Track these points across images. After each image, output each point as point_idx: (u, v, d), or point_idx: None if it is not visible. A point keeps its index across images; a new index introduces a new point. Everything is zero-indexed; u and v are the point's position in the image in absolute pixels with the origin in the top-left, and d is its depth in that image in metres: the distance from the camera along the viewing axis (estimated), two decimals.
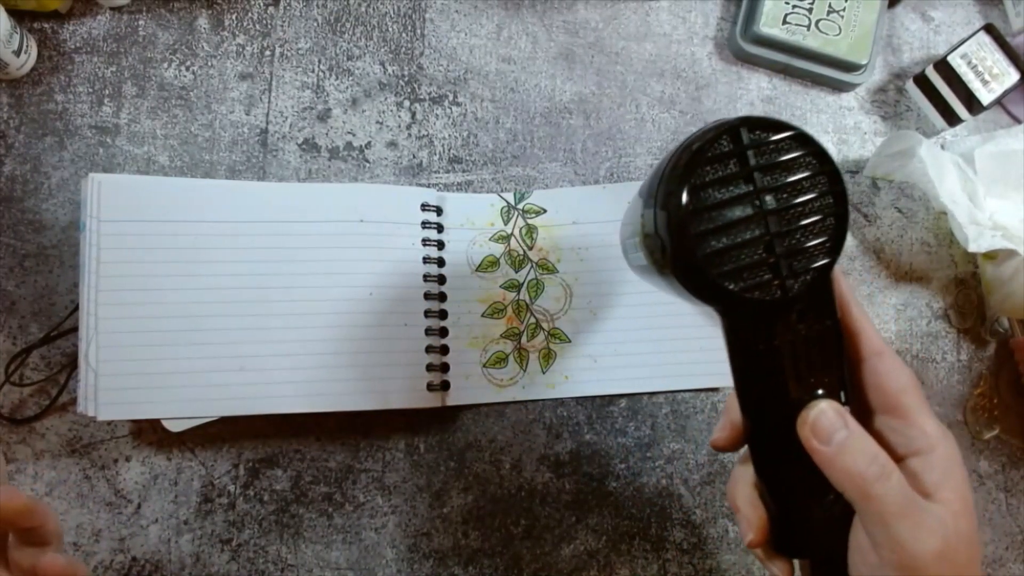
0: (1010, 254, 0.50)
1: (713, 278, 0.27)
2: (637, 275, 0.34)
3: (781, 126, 0.28)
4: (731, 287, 0.27)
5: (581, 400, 0.49)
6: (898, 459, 0.28)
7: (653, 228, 0.28)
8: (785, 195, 0.28)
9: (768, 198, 0.27)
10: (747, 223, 0.27)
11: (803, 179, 0.28)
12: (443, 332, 0.47)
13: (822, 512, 0.29)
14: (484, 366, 0.48)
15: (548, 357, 0.48)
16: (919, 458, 0.28)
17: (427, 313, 0.46)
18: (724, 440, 0.32)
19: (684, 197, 0.27)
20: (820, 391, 0.29)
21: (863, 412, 0.30)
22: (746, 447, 0.31)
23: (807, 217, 0.28)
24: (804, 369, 0.29)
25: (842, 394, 0.29)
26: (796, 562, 0.32)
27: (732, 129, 0.27)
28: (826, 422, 0.28)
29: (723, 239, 0.27)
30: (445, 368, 0.47)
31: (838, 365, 0.29)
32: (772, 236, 0.27)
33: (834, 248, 0.28)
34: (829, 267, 0.28)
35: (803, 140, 0.28)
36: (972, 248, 0.48)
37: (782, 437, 0.29)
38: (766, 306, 0.28)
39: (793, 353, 0.29)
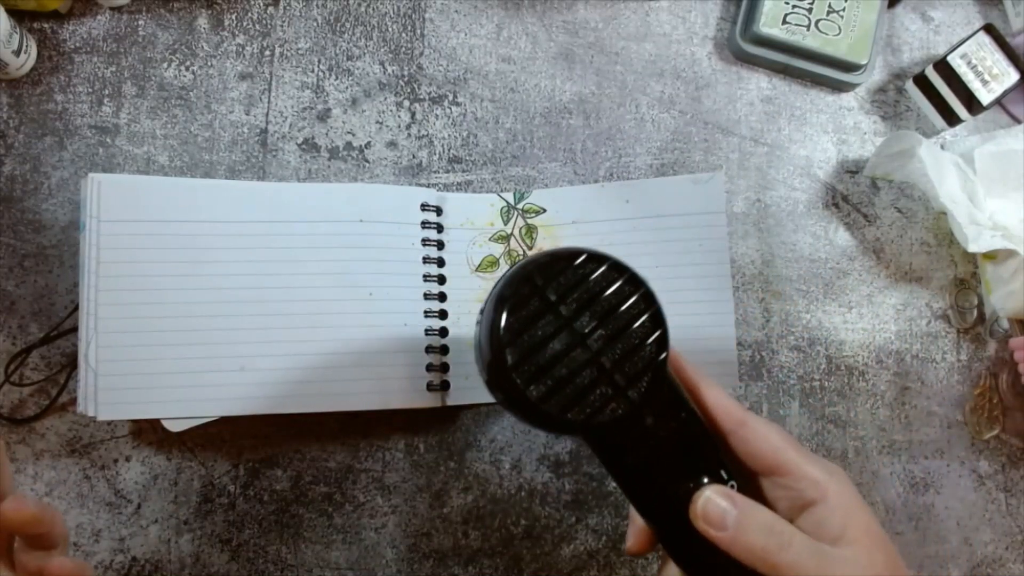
0: (1010, 254, 0.50)
1: (556, 415, 0.28)
2: None
3: (569, 255, 0.29)
4: (578, 417, 0.28)
5: None
6: (796, 514, 0.28)
7: (488, 381, 0.30)
8: (595, 314, 0.29)
9: (582, 322, 0.29)
10: (570, 351, 0.28)
11: (608, 294, 0.29)
12: (443, 332, 0.47)
13: None
14: None
15: None
16: (815, 508, 0.28)
17: (427, 313, 0.46)
18: (637, 546, 0.32)
19: (503, 352, 0.28)
20: (704, 478, 0.29)
21: (749, 481, 0.30)
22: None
23: (624, 327, 0.29)
24: (678, 464, 0.30)
25: (723, 472, 0.30)
26: None
27: (524, 277, 0.29)
28: (714, 508, 0.28)
29: (552, 374, 0.28)
30: (445, 368, 0.47)
31: (709, 449, 0.30)
32: (598, 355, 0.28)
33: (661, 345, 0.29)
34: (663, 364, 0.29)
35: (594, 259, 0.29)
36: (972, 248, 0.48)
37: (685, 529, 0.29)
38: (618, 421, 0.29)
39: (662, 453, 0.30)
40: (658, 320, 0.29)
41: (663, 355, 0.29)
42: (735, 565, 0.29)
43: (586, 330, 0.29)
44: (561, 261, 0.29)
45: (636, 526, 0.32)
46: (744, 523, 0.28)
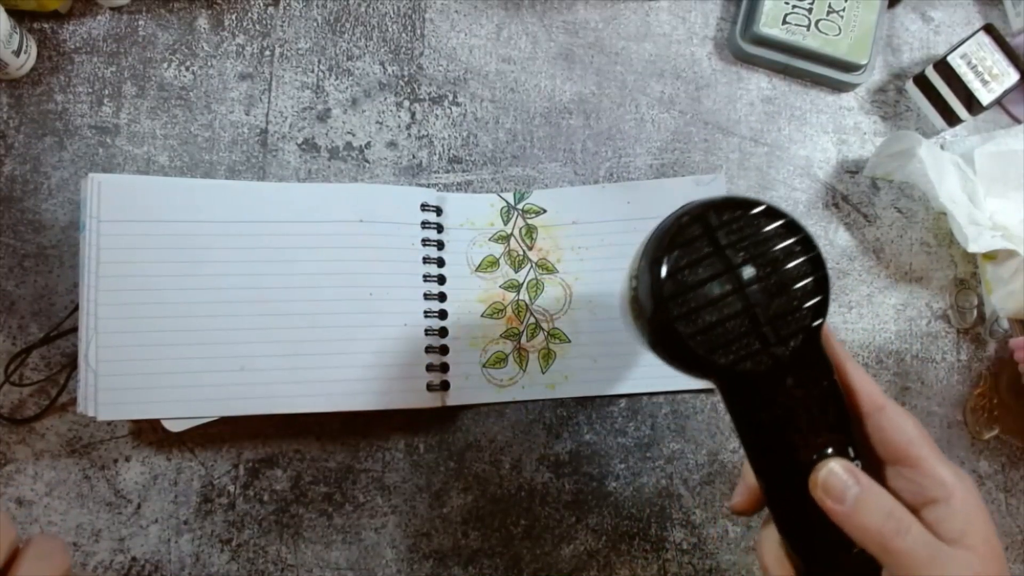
0: (1010, 254, 0.50)
1: (702, 355, 0.28)
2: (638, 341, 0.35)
3: (749, 204, 0.29)
4: (722, 361, 0.28)
5: (581, 400, 0.49)
6: (916, 508, 0.28)
7: (639, 311, 0.30)
8: (761, 267, 0.29)
9: (745, 272, 0.29)
10: (728, 298, 0.28)
11: (778, 250, 0.29)
12: (443, 332, 0.47)
13: (849, 566, 0.29)
14: (484, 366, 0.48)
15: (548, 357, 0.48)
16: (938, 506, 0.28)
17: (427, 313, 0.46)
18: (743, 504, 0.32)
19: (663, 283, 0.28)
20: (828, 450, 0.29)
21: (874, 465, 0.30)
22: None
23: (788, 285, 0.29)
24: (808, 431, 0.29)
25: (850, 450, 0.29)
26: None
27: (698, 215, 0.29)
28: (837, 481, 0.28)
29: (706, 316, 0.28)
30: (445, 368, 0.47)
31: (842, 423, 0.30)
32: (754, 307, 0.28)
33: (819, 311, 0.29)
34: (817, 330, 0.29)
35: (772, 214, 0.29)
36: (972, 248, 0.48)
37: (798, 497, 0.29)
38: (760, 375, 0.29)
39: (795, 417, 0.29)
40: (822, 285, 0.29)
41: (819, 321, 0.29)
42: (841, 542, 0.28)
43: (748, 280, 0.29)
44: (739, 207, 0.29)
45: (746, 484, 0.32)
46: (864, 501, 0.27)
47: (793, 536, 0.30)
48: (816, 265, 0.29)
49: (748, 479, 0.32)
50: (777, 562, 0.31)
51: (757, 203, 0.29)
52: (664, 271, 0.28)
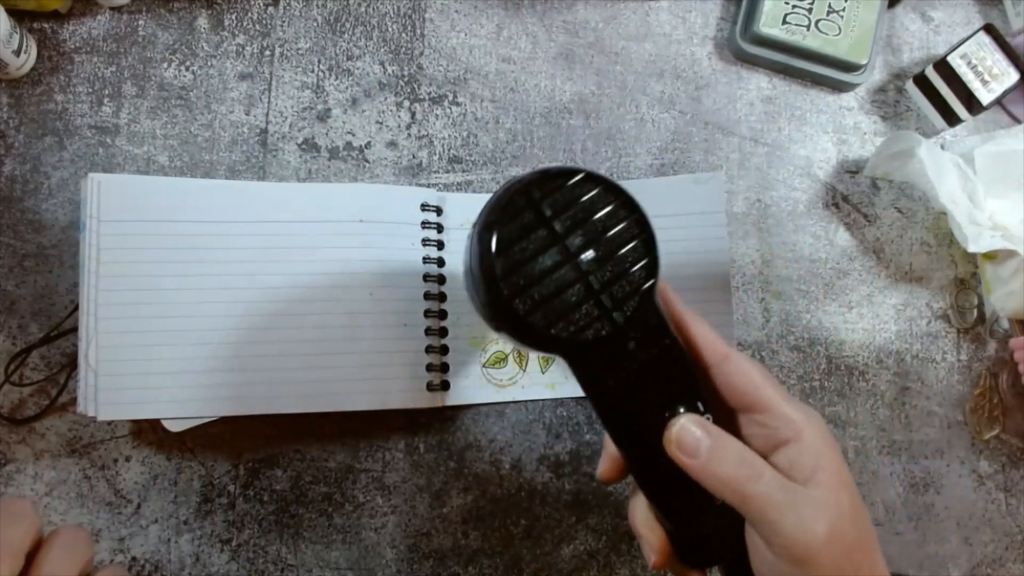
0: (1010, 254, 0.50)
1: (541, 329, 0.28)
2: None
3: (568, 173, 0.29)
4: (562, 334, 0.28)
5: (581, 400, 0.49)
6: (769, 452, 0.29)
7: (475, 291, 0.30)
8: (588, 235, 0.29)
9: (574, 241, 0.29)
10: (560, 268, 0.28)
11: (602, 216, 0.29)
12: (443, 332, 0.47)
13: (715, 519, 0.30)
14: (484, 366, 0.48)
15: (548, 357, 0.48)
16: (789, 446, 0.28)
17: (427, 313, 0.46)
18: (608, 473, 0.33)
19: (494, 262, 0.28)
20: (680, 408, 0.30)
21: (725, 416, 0.30)
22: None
23: (616, 249, 0.29)
24: (656, 391, 0.30)
25: (699, 405, 0.30)
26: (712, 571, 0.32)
27: (520, 190, 0.29)
28: (688, 436, 0.28)
29: (541, 289, 0.28)
30: (445, 368, 0.47)
31: (689, 378, 0.30)
32: (587, 275, 0.28)
33: (651, 271, 0.29)
34: (650, 290, 0.29)
35: (591, 180, 0.29)
36: (972, 248, 0.48)
37: (657, 458, 0.29)
38: (601, 342, 0.29)
39: (641, 379, 0.30)
40: (650, 246, 0.29)
41: (651, 281, 0.29)
42: (702, 497, 0.29)
43: (577, 248, 0.29)
44: (559, 178, 0.29)
45: (608, 453, 0.32)
46: (716, 452, 0.28)
47: (658, 498, 0.31)
48: (642, 227, 0.29)
49: (610, 447, 0.32)
50: (648, 527, 0.32)
51: (576, 171, 0.29)
52: (493, 249, 0.28)
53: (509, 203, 0.28)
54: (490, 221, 0.28)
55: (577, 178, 0.29)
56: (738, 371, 0.30)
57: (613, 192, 0.29)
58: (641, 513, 0.32)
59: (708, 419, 0.29)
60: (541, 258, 0.28)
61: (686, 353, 0.30)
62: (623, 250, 0.29)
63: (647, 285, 0.29)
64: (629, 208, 0.29)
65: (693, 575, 0.32)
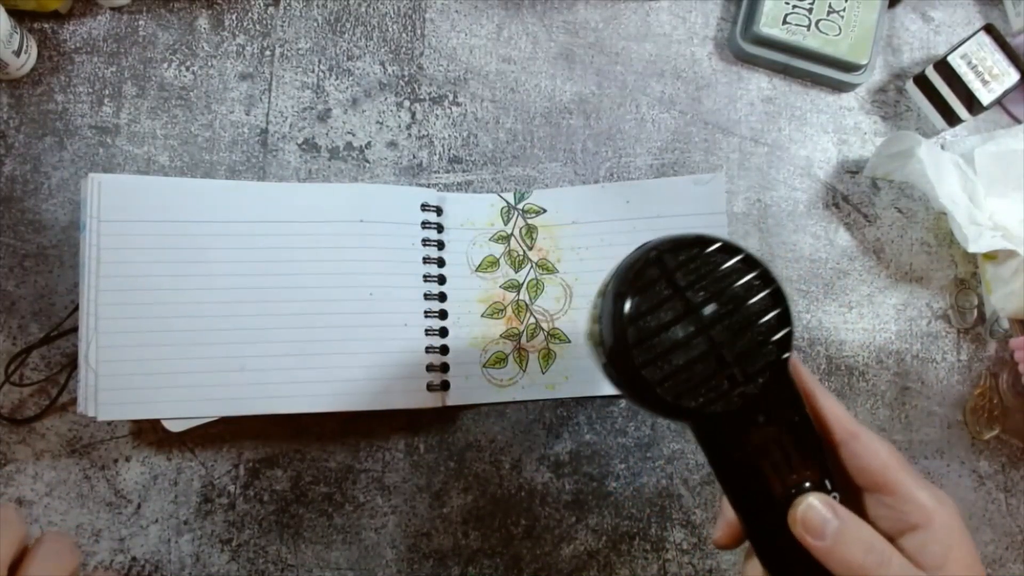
0: (1010, 254, 0.50)
1: (671, 401, 0.28)
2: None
3: (704, 241, 0.29)
4: (691, 405, 0.28)
5: (581, 400, 0.49)
6: (897, 536, 0.28)
7: (603, 354, 0.30)
8: (722, 306, 0.28)
9: (707, 312, 0.28)
10: (692, 341, 0.28)
11: (737, 287, 0.29)
12: (443, 332, 0.47)
13: None
14: (484, 366, 0.48)
15: (548, 357, 0.48)
16: (918, 533, 0.28)
17: (427, 313, 0.46)
18: (724, 539, 0.32)
19: (626, 330, 0.28)
20: (806, 484, 0.29)
21: (852, 495, 0.30)
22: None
23: (750, 322, 0.28)
24: (784, 467, 0.29)
25: (827, 482, 0.29)
26: None
27: (654, 258, 0.28)
28: (816, 516, 0.28)
29: (672, 361, 0.28)
30: (445, 368, 0.47)
31: (817, 455, 0.30)
32: (719, 348, 0.28)
33: (784, 344, 0.29)
34: (784, 363, 0.29)
35: (728, 250, 0.29)
36: (972, 248, 0.48)
37: (778, 532, 0.29)
38: (731, 415, 0.28)
39: (769, 454, 0.29)
40: (785, 319, 0.29)
41: (786, 355, 0.29)
42: (824, 572, 0.28)
43: (710, 320, 0.28)
44: (694, 246, 0.29)
45: (726, 519, 0.32)
46: (844, 536, 0.27)
47: (776, 571, 0.30)
48: (777, 298, 0.29)
49: (728, 514, 0.31)
50: None
51: (712, 240, 0.29)
52: (626, 318, 0.28)
53: (643, 270, 0.28)
54: (623, 289, 0.28)
55: (713, 247, 0.29)
56: (867, 451, 0.29)
57: (748, 262, 0.29)
58: None
59: (835, 498, 0.29)
60: (674, 329, 0.28)
61: (815, 429, 0.30)
62: (757, 323, 0.29)
63: (781, 358, 0.29)
64: (764, 279, 0.29)
65: None
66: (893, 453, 0.29)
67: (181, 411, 0.43)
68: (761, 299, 0.29)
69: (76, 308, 0.43)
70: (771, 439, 0.29)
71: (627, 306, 0.28)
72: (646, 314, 0.28)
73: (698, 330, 0.28)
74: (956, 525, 0.28)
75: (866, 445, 0.29)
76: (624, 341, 0.28)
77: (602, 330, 0.29)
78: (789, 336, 0.29)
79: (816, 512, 0.28)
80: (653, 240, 0.29)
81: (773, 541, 0.30)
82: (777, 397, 0.29)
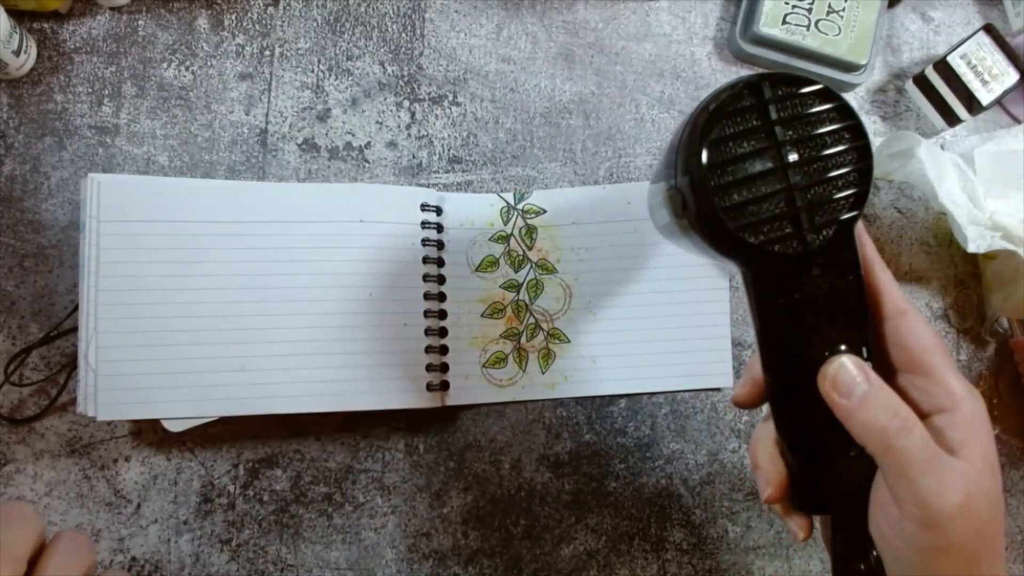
0: (1010, 254, 0.50)
1: (733, 231, 0.27)
2: (662, 235, 0.34)
3: (804, 81, 0.28)
4: (751, 240, 0.27)
5: (581, 400, 0.49)
6: (922, 416, 0.28)
7: (674, 182, 0.28)
8: (807, 149, 0.27)
9: (790, 152, 0.27)
10: (768, 177, 0.27)
11: (825, 133, 0.28)
12: (443, 332, 0.47)
13: (844, 467, 0.29)
14: (484, 366, 0.48)
15: (548, 357, 0.48)
16: (943, 415, 0.28)
17: (427, 313, 0.46)
18: (745, 396, 0.32)
19: (704, 151, 0.27)
20: (842, 346, 0.29)
21: (886, 370, 0.30)
22: (767, 405, 0.31)
23: (829, 171, 0.28)
24: (826, 324, 0.29)
25: (864, 350, 0.29)
26: (817, 518, 0.32)
27: (753, 84, 0.27)
28: (847, 376, 0.28)
29: (743, 192, 0.27)
30: (445, 368, 0.47)
31: (860, 321, 0.29)
32: (793, 190, 0.27)
33: (857, 202, 0.28)
34: (852, 221, 0.28)
35: (826, 95, 0.28)
36: (972, 248, 0.48)
37: (804, 392, 0.29)
38: (787, 260, 0.28)
39: (815, 307, 0.28)
40: (865, 176, 0.28)
41: (856, 213, 0.28)
42: (839, 443, 0.28)
43: (792, 160, 0.27)
44: (796, 84, 0.28)
45: (751, 376, 0.31)
46: (871, 398, 0.27)
47: (792, 433, 0.30)
48: (862, 155, 0.28)
49: (754, 371, 0.31)
50: (769, 459, 0.31)
51: (813, 82, 0.28)
52: (710, 137, 0.27)
53: (738, 94, 0.27)
54: (713, 107, 0.27)
55: (812, 88, 0.28)
56: (912, 329, 0.29)
57: (844, 112, 0.28)
58: (765, 445, 0.31)
59: (869, 365, 0.28)
60: (753, 161, 0.27)
61: (866, 297, 0.29)
62: (836, 173, 0.28)
63: (851, 215, 0.28)
64: (855, 132, 0.28)
65: (798, 519, 0.31)
66: (936, 337, 0.29)
67: (181, 411, 0.43)
68: (845, 151, 0.28)
69: (76, 308, 0.43)
70: (821, 294, 0.28)
71: (714, 126, 0.27)
72: (729, 140, 0.27)
73: (776, 168, 0.27)
74: (981, 417, 0.28)
75: (912, 324, 0.29)
76: (700, 161, 0.27)
77: (680, 150, 0.28)
78: (865, 194, 0.28)
79: (847, 371, 0.28)
80: (756, 74, 0.28)
81: (796, 402, 0.29)
82: (837, 254, 0.28)
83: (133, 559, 0.44)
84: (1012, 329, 0.53)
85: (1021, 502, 0.53)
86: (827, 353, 0.28)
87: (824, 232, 0.28)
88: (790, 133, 0.27)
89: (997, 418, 0.53)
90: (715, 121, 0.27)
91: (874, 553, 0.29)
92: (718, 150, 0.27)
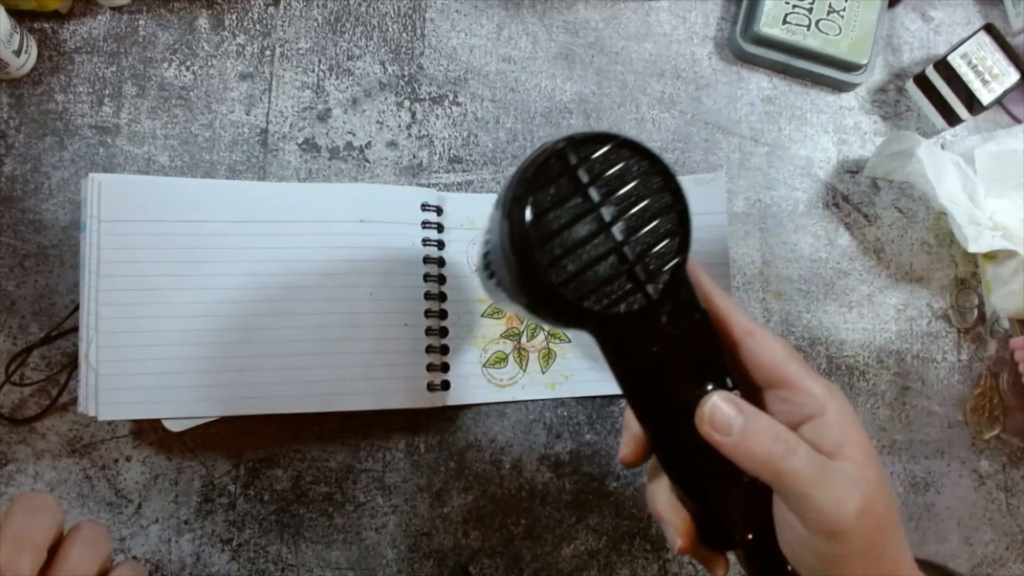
0: (1010, 254, 0.50)
1: (575, 302, 0.27)
2: (495, 302, 0.34)
3: (605, 138, 0.28)
4: (595, 307, 0.27)
5: (581, 400, 0.49)
6: (794, 427, 0.29)
7: (501, 264, 0.29)
8: (623, 204, 0.28)
9: (608, 210, 0.28)
10: (593, 239, 0.27)
11: (637, 185, 0.28)
12: (443, 332, 0.47)
13: (741, 498, 0.30)
14: (484, 366, 0.48)
15: (548, 357, 0.48)
16: (813, 422, 0.28)
17: (427, 313, 0.46)
18: (631, 454, 0.32)
19: (528, 229, 0.27)
20: (709, 385, 0.29)
21: (752, 391, 0.30)
22: (654, 457, 0.31)
23: (650, 221, 0.28)
24: (687, 368, 0.29)
25: (728, 380, 0.29)
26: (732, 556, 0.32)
27: (559, 152, 0.27)
28: (721, 414, 0.28)
29: (573, 260, 0.27)
30: (445, 368, 0.47)
31: (717, 354, 0.30)
32: (621, 246, 0.27)
33: (683, 244, 0.28)
34: (683, 263, 0.28)
35: (630, 147, 0.28)
36: (972, 248, 0.48)
37: (684, 437, 0.29)
38: (633, 316, 0.28)
39: (673, 354, 0.29)
40: (684, 219, 0.28)
41: (685, 254, 0.28)
42: (729, 475, 0.29)
43: (612, 219, 0.27)
44: (595, 143, 0.28)
45: (631, 434, 0.32)
46: (750, 429, 0.28)
47: (683, 478, 0.30)
48: (676, 198, 0.28)
49: (632, 428, 0.32)
50: (671, 509, 0.31)
51: (611, 137, 0.28)
52: (528, 216, 0.27)
53: (544, 167, 0.27)
54: (524, 188, 0.27)
55: (612, 144, 0.28)
56: (764, 347, 0.30)
57: (648, 160, 0.28)
58: (663, 496, 0.32)
59: (737, 395, 0.29)
60: (575, 227, 0.27)
61: (715, 329, 0.30)
62: (657, 222, 0.28)
63: (681, 257, 0.28)
64: (664, 178, 0.28)
65: (716, 560, 0.32)
66: (787, 348, 0.30)
67: (181, 411, 0.43)
68: (661, 198, 0.28)
69: (76, 308, 0.43)
70: (674, 340, 0.29)
71: (530, 203, 0.27)
72: (547, 211, 0.27)
73: (600, 228, 0.27)
74: (847, 412, 0.29)
75: (761, 342, 0.30)
76: (526, 241, 0.27)
77: (501, 233, 0.28)
78: (688, 235, 0.28)
79: (721, 410, 0.28)
80: (552, 140, 0.28)
81: (679, 446, 0.30)
82: (678, 297, 0.29)
83: (134, 559, 0.44)
84: (1012, 329, 0.53)
85: (1021, 502, 0.53)
86: (696, 393, 0.29)
87: (660, 279, 0.28)
88: (603, 191, 0.28)
89: (997, 418, 0.53)
90: (528, 195, 0.27)
91: (789, 568, 0.29)
92: (539, 225, 0.27)
